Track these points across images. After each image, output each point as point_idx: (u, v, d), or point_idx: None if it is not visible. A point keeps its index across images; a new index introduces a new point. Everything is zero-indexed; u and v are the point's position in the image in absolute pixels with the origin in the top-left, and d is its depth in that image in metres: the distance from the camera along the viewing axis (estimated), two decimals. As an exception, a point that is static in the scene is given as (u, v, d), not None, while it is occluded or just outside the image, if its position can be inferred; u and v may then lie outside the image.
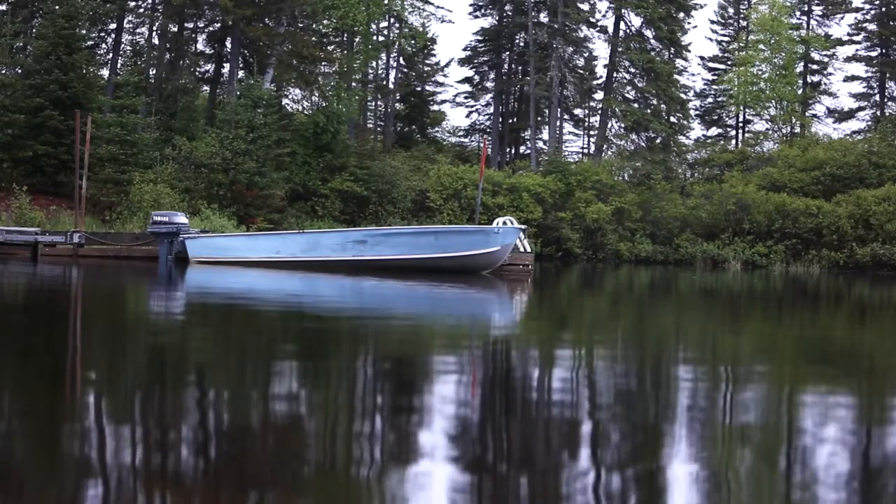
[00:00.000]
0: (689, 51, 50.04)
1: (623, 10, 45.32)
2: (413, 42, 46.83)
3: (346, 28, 40.15)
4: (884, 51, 48.11)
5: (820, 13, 49.49)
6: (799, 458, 4.20)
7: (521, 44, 48.92)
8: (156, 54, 39.77)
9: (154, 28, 39.57)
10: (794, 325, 12.72)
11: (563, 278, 24.28)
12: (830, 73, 49.75)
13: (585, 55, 49.52)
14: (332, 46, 42.36)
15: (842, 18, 49.93)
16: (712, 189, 39.90)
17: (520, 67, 50.28)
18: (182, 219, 21.56)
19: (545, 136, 49.04)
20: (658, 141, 45.97)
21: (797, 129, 46.74)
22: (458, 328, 10.09)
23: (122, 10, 37.74)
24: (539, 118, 47.64)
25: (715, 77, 51.45)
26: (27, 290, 13.80)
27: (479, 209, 27.72)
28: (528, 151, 48.18)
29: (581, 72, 49.08)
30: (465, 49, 50.36)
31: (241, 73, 37.31)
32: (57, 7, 31.27)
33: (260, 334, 8.66)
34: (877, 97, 49.01)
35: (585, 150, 54.34)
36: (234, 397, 5.26)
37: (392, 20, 45.50)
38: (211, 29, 40.23)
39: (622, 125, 46.88)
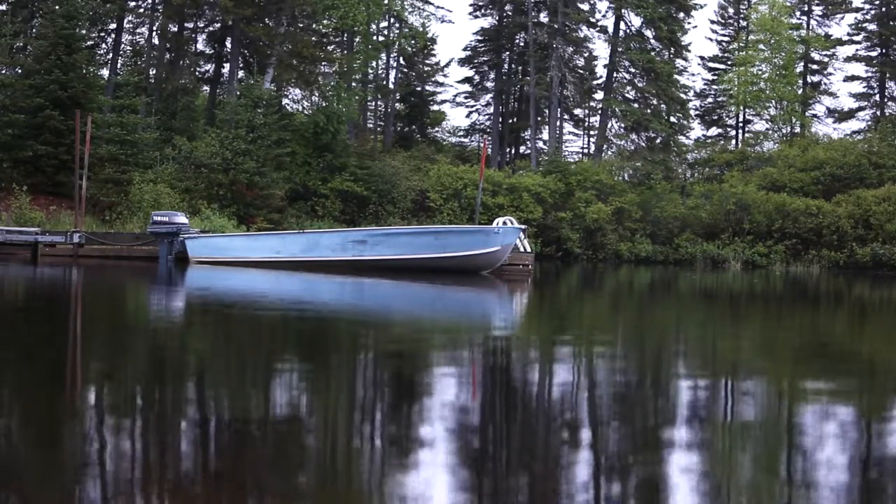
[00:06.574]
0: (689, 51, 50.04)
1: (623, 10, 45.27)
2: (413, 42, 46.75)
3: (346, 28, 40.08)
4: (884, 51, 48.07)
5: (820, 13, 49.47)
6: (798, 458, 4.19)
7: (521, 44, 48.88)
8: (156, 54, 39.75)
9: (154, 28, 39.55)
10: (795, 325, 12.71)
11: (563, 278, 24.27)
12: (830, 73, 49.76)
13: (585, 55, 49.53)
14: (332, 46, 42.31)
15: (842, 18, 49.93)
16: (712, 189, 39.85)
17: (520, 67, 50.24)
18: (182, 219, 21.53)
19: (545, 136, 49.02)
20: (658, 141, 45.93)
21: (797, 129, 46.68)
22: (458, 329, 10.08)
23: (122, 10, 37.70)
24: (539, 118, 47.61)
25: (715, 77, 51.39)
26: (27, 293, 13.79)
27: (479, 209, 27.68)
28: (528, 151, 48.14)
29: (581, 72, 49.05)
30: (465, 49, 50.41)
31: (241, 73, 37.29)
32: (57, 7, 31.20)
33: (260, 335, 8.65)
34: (877, 97, 48.96)
35: (585, 150, 54.33)
36: (234, 399, 5.26)
37: (392, 20, 45.45)
38: (211, 29, 40.22)
39: (622, 125, 46.85)
